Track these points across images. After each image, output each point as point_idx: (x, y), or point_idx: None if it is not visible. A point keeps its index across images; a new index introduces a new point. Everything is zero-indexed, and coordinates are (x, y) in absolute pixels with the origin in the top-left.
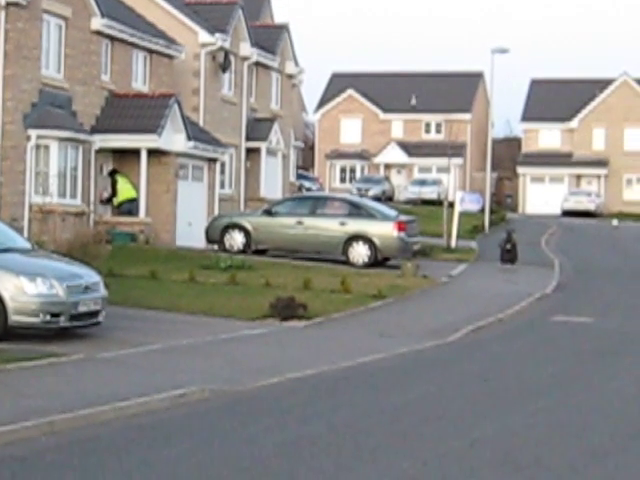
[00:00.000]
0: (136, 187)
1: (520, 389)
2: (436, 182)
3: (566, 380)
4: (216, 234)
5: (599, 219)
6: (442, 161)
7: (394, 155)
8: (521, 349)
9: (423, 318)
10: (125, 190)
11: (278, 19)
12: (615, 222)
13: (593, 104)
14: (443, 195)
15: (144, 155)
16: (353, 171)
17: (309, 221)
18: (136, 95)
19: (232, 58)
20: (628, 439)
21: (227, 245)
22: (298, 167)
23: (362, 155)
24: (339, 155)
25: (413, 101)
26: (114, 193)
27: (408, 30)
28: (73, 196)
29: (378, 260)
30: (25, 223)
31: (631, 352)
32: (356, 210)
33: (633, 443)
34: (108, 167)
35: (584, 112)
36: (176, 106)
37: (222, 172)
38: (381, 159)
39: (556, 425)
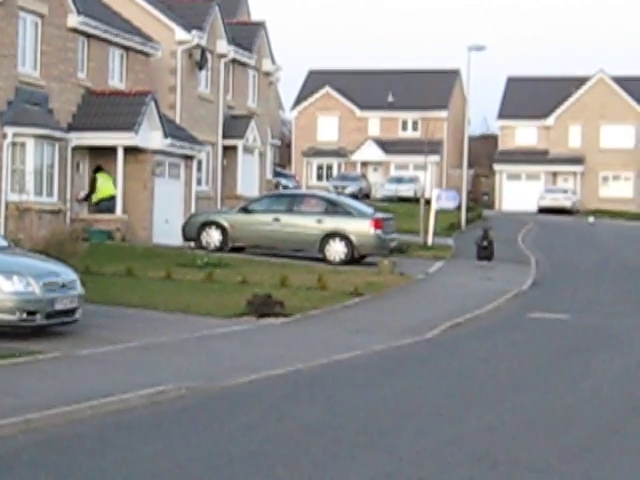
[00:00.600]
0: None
1: (497, 386)
2: (413, 179)
3: (543, 377)
4: (193, 232)
5: (575, 216)
6: (419, 158)
7: (371, 152)
8: (498, 346)
9: (400, 315)
10: (104, 188)
11: (255, 16)
12: (591, 219)
13: (569, 102)
14: (420, 192)
15: (121, 153)
16: (330, 168)
17: (286, 218)
18: (113, 93)
19: (209, 55)
20: (605, 436)
21: (204, 242)
22: (275, 164)
23: (339, 152)
24: (316, 152)
25: (390, 98)
26: (92, 190)
27: (384, 27)
28: (49, 194)
29: (355, 257)
30: (1, 221)
31: (607, 348)
32: (333, 207)
33: (610, 440)
34: (84, 165)
35: (560, 109)
36: (153, 104)
37: (199, 170)
38: (358, 156)
39: (533, 422)
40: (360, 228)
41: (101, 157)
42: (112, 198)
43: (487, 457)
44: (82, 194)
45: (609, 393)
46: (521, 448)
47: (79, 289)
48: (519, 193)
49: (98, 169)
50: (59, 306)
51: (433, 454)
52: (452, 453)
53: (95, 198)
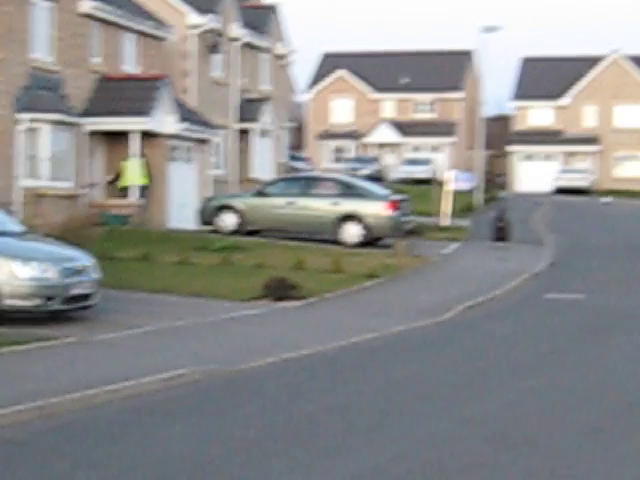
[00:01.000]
0: (149, 174)
1: (513, 367)
2: (428, 161)
3: (559, 357)
4: (208, 215)
5: (590, 196)
6: (434, 140)
7: (385, 134)
8: (514, 327)
9: (416, 297)
10: (131, 176)
11: None
12: (606, 199)
13: (584, 81)
14: (435, 174)
15: (136, 137)
16: (345, 151)
17: (301, 201)
18: (126, 77)
19: (222, 39)
20: (620, 416)
21: (219, 226)
22: (290, 148)
23: (353, 135)
24: (330, 135)
25: (404, 80)
26: (118, 176)
27: (398, 9)
28: (65, 179)
29: (370, 240)
30: (17, 207)
31: (623, 329)
32: (348, 190)
33: (625, 420)
34: (100, 150)
35: (575, 89)
36: (167, 88)
37: (214, 153)
38: (372, 139)
39: (549, 403)
40: (375, 210)
41: (116, 142)
42: (142, 187)
43: (503, 438)
44: (108, 177)
45: (625, 373)
46: (537, 428)
47: (95, 274)
48: (534, 174)
49: (142, 156)
50: (76, 291)
51: (450, 436)
52: (468, 434)
53: (120, 184)
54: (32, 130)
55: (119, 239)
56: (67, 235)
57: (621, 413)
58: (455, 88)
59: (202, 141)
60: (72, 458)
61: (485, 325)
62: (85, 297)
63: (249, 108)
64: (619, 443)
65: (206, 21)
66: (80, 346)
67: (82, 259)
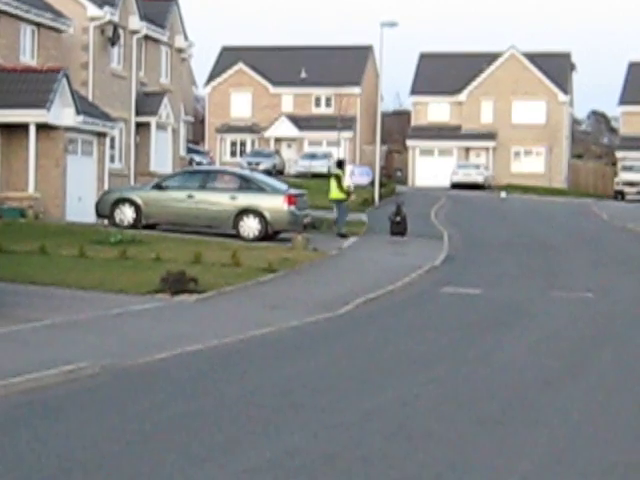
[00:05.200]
0: (345, 189)
1: (410, 360)
2: (326, 156)
3: (456, 351)
4: (106, 209)
5: (487, 191)
6: (332, 135)
7: (284, 129)
8: (411, 320)
9: (314, 291)
10: (334, 192)
11: None
12: (503, 194)
13: (481, 77)
14: (333, 169)
15: (32, 130)
16: (243, 145)
17: (200, 195)
18: (24, 69)
19: (121, 32)
20: (517, 408)
21: (117, 220)
22: (188, 141)
23: (252, 129)
24: (229, 129)
25: (303, 75)
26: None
27: (297, 3)
28: None
29: (269, 234)
30: None
31: (519, 322)
32: (246, 184)
33: (522, 412)
34: None
35: (472, 85)
36: (65, 80)
37: (112, 147)
38: (271, 133)
39: (446, 396)
40: (274, 204)
41: (13, 135)
42: (341, 200)
43: (401, 431)
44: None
45: (522, 366)
46: (435, 421)
47: None
48: (432, 169)
49: (340, 164)
50: None
51: (347, 429)
52: (366, 428)
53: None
54: None
55: (15, 232)
56: None
57: (518, 405)
58: (354, 83)
59: (100, 134)
60: None
61: (383, 319)
62: None
63: (148, 101)
64: (514, 435)
65: (105, 13)
66: None
67: None
